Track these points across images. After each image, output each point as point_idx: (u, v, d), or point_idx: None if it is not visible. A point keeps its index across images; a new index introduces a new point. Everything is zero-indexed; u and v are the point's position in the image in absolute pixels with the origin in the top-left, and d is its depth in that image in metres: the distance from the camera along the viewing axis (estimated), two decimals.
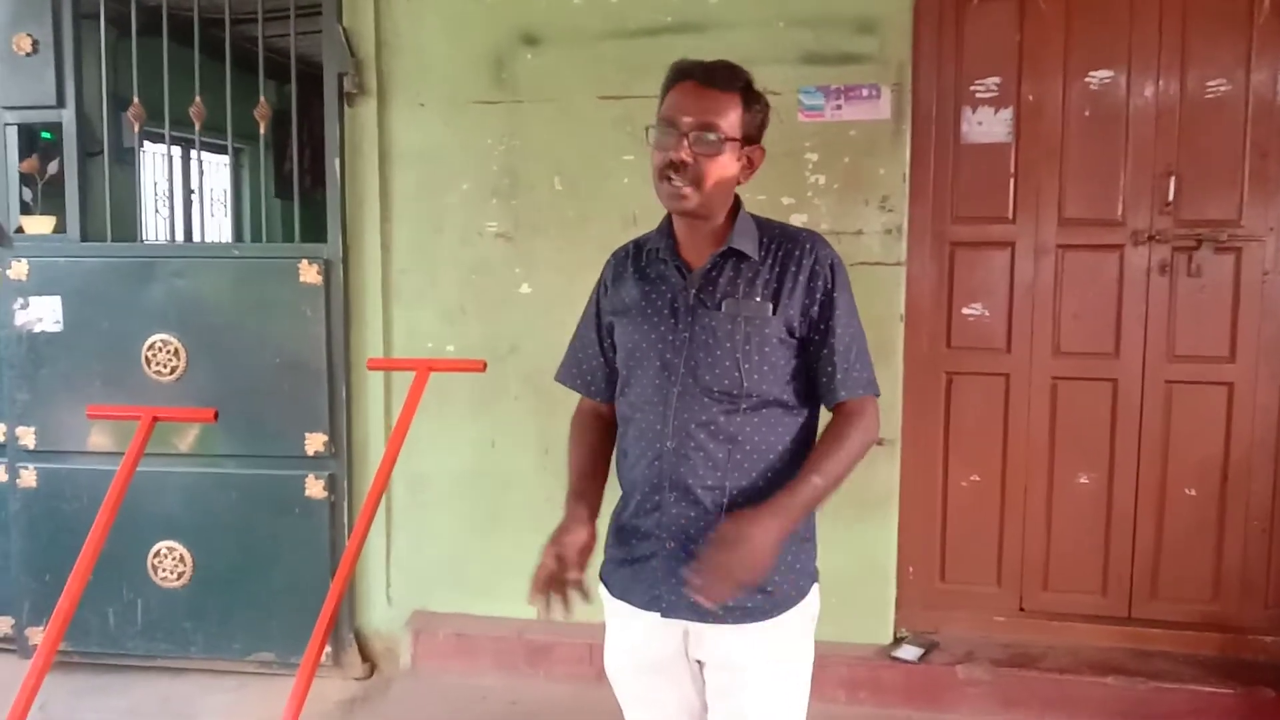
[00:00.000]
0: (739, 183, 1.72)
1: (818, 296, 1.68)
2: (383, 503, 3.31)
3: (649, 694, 1.82)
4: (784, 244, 1.72)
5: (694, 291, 1.70)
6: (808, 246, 1.71)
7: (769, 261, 1.70)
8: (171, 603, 3.49)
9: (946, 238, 3.24)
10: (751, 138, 1.69)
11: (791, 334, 1.69)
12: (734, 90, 1.66)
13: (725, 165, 1.66)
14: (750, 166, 1.72)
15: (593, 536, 1.70)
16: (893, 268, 3.13)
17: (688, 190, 1.63)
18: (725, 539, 1.54)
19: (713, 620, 1.67)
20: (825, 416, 1.77)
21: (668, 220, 1.77)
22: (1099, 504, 3.22)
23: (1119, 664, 3.08)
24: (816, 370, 1.71)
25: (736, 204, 1.75)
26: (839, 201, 3.12)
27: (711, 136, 1.63)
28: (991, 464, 3.27)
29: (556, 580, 1.64)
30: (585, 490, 1.78)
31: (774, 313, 1.67)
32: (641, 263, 1.79)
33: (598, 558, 1.77)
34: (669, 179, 1.64)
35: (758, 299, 1.67)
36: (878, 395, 1.75)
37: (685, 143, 1.62)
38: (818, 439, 1.72)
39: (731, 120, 1.65)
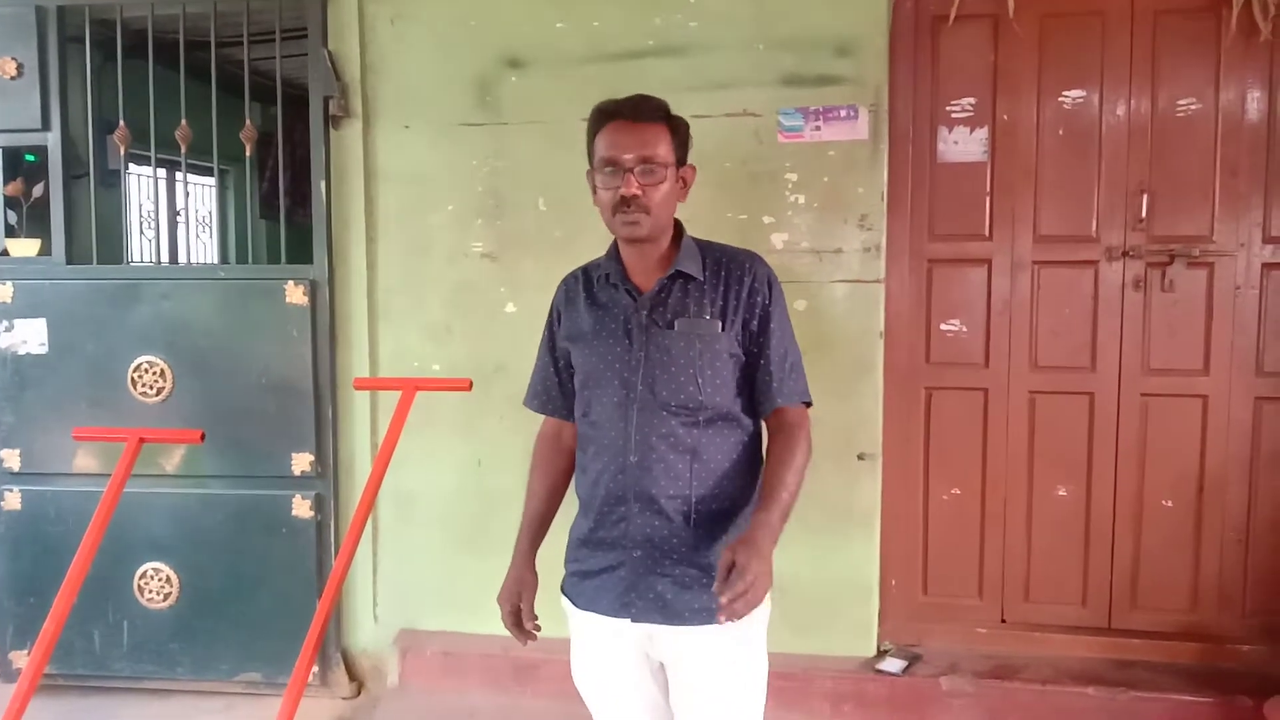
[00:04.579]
0: (680, 201, 1.83)
1: (756, 312, 1.80)
2: (369, 522, 3.33)
3: (618, 699, 1.89)
4: (726, 264, 1.83)
5: (645, 313, 1.80)
6: (747, 265, 1.83)
7: (713, 281, 1.81)
8: (158, 624, 3.49)
9: (924, 255, 3.29)
10: (682, 160, 1.82)
11: (738, 347, 1.79)
12: (660, 121, 1.78)
13: (668, 190, 1.78)
14: (685, 186, 1.84)
15: (535, 577, 1.95)
16: (872, 285, 3.17)
17: (641, 217, 1.75)
18: (740, 565, 1.59)
19: (679, 622, 1.77)
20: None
21: (615, 247, 1.87)
22: (1078, 516, 3.27)
23: (1100, 674, 3.12)
24: (755, 380, 1.81)
25: (679, 229, 1.86)
26: (819, 220, 3.17)
27: (652, 166, 1.74)
28: (971, 478, 3.32)
29: (520, 626, 1.93)
30: (536, 536, 1.98)
31: (723, 329, 1.78)
32: (593, 288, 1.89)
33: (557, 575, 1.93)
34: (622, 212, 1.74)
35: (707, 317, 1.78)
36: (810, 405, 1.86)
37: (631, 177, 1.73)
38: (766, 453, 1.81)
39: (665, 148, 1.77)
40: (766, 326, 1.80)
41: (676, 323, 1.78)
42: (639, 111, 1.77)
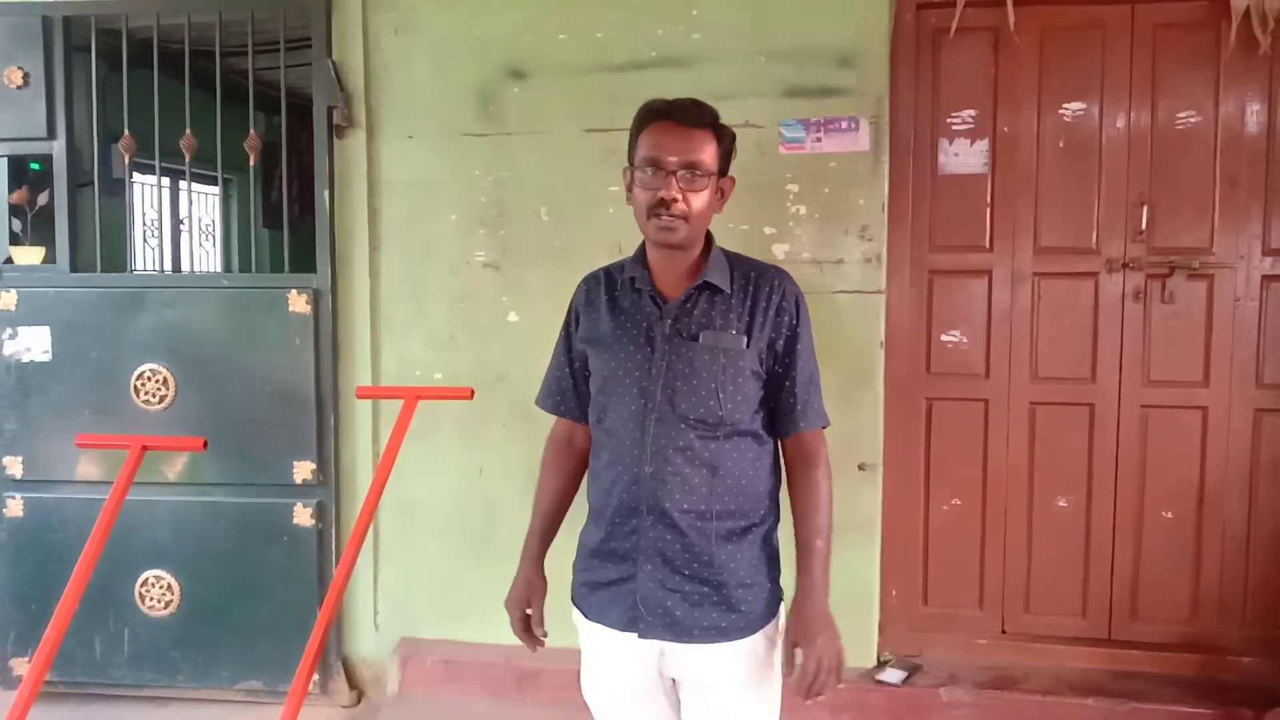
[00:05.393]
0: (716, 212, 1.80)
1: (784, 331, 1.78)
2: (370, 530, 3.32)
3: (627, 714, 1.86)
4: (755, 279, 1.80)
5: (670, 322, 1.76)
6: (775, 282, 1.80)
7: (740, 296, 1.78)
8: (159, 632, 3.49)
9: (925, 266, 3.30)
10: (724, 170, 1.79)
11: (761, 365, 1.77)
12: (707, 127, 1.75)
13: (707, 198, 1.74)
14: (723, 197, 1.80)
15: (544, 581, 1.94)
16: (873, 296, 3.18)
17: (678, 223, 1.71)
18: (806, 643, 1.71)
19: (689, 640, 1.74)
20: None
21: (642, 250, 1.83)
22: (1078, 527, 3.27)
23: (1099, 685, 3.12)
24: (778, 401, 1.80)
25: (709, 240, 1.83)
26: (820, 231, 3.18)
27: (696, 173, 1.71)
28: (972, 488, 3.32)
29: (529, 632, 1.93)
30: (545, 539, 1.97)
31: (748, 345, 1.75)
32: (615, 291, 1.84)
33: (565, 580, 1.91)
34: (659, 215, 1.70)
35: (733, 332, 1.75)
36: (827, 426, 1.85)
37: (673, 180, 1.69)
38: (790, 490, 1.82)
39: (710, 155, 1.73)
40: (794, 347, 1.78)
41: (701, 335, 1.74)
42: (688, 115, 1.73)
